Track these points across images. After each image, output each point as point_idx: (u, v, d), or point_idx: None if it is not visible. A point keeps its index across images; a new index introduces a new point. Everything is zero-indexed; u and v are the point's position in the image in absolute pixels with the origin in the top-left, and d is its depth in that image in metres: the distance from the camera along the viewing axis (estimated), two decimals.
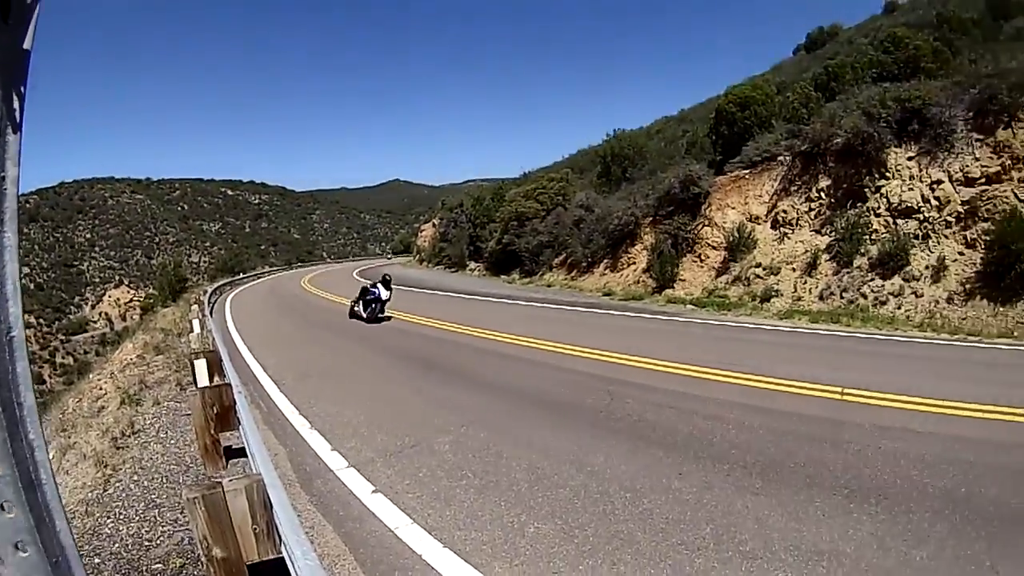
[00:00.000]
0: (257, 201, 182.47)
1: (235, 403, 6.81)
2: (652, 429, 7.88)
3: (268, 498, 3.78)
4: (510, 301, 25.36)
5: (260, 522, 3.69)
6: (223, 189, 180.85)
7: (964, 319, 16.12)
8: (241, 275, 54.85)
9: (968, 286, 16.94)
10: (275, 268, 74.91)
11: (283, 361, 13.68)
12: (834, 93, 25.03)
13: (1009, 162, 17.78)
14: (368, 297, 19.31)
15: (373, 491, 6.17)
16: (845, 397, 8.89)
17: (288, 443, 7.95)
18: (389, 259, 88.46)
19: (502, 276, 39.06)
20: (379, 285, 19.21)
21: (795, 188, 23.24)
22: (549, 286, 32.06)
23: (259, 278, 54.46)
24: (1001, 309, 15.85)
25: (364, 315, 19.27)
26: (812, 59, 39.37)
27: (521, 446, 7.36)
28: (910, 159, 20.17)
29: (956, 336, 14.85)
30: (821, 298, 19.76)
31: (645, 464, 6.68)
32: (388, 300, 19.28)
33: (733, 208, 24.75)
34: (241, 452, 6.70)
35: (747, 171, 25.24)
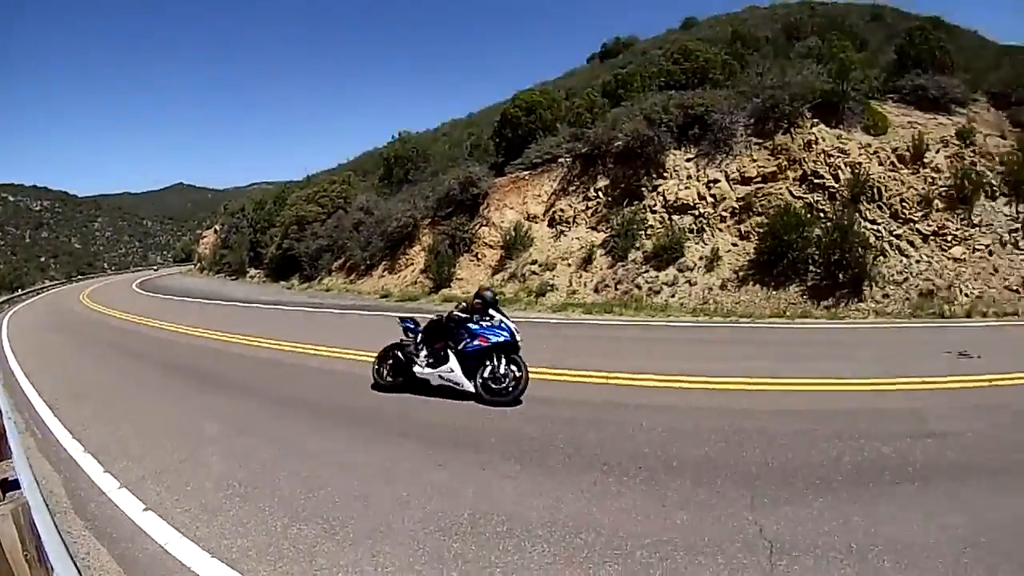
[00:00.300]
0: (39, 208, 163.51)
1: (4, 431, 6.13)
2: (413, 426, 7.47)
3: (35, 522, 3.56)
4: (284, 307, 23.38)
5: (30, 547, 3.41)
6: (3, 194, 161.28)
7: (738, 303, 15.75)
8: (20, 291, 48.45)
9: (742, 274, 16.62)
10: (55, 282, 66.52)
11: (58, 383, 12.21)
12: (621, 99, 24.09)
13: (786, 163, 17.91)
14: (474, 343, 8.27)
15: (144, 509, 5.71)
16: (610, 381, 8.71)
17: (62, 469, 7.19)
18: (155, 270, 79.10)
19: (281, 282, 35.67)
20: (494, 314, 8.41)
21: (574, 188, 22.11)
22: (328, 290, 29.37)
23: (39, 294, 48.46)
24: (774, 293, 15.71)
25: (471, 388, 8.23)
26: (605, 67, 38.79)
27: (286, 451, 6.92)
28: (688, 160, 19.79)
29: (729, 319, 14.52)
30: (596, 291, 18.55)
31: (405, 458, 6.40)
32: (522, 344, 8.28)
33: (511, 208, 23.06)
34: (17, 484, 5.65)
35: (527, 172, 23.83)
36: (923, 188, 16.84)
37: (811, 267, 15.66)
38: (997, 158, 17.88)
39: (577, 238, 20.47)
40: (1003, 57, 29.02)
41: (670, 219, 18.70)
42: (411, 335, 9.20)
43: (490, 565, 4.21)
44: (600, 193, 20.92)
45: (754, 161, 18.40)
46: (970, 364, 9.22)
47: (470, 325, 8.37)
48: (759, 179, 18.03)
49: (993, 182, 17.21)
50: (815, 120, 18.64)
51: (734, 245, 17.33)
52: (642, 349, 11.47)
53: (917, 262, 15.62)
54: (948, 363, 9.32)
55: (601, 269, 19.06)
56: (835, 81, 19.18)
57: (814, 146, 17.80)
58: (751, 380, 8.28)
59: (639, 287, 17.53)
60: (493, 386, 8.10)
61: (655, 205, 19.31)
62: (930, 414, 6.90)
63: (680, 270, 17.36)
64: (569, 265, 19.86)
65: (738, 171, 18.46)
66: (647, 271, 17.89)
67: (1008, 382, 8.24)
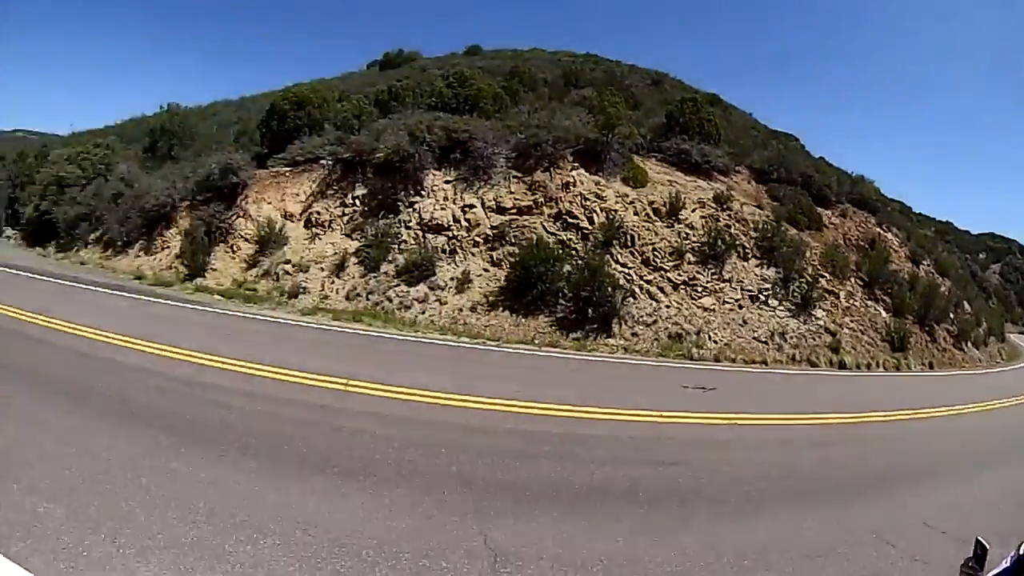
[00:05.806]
0: None
1: None
2: (157, 414, 5.56)
3: None
4: (36, 277, 16.87)
5: None
6: None
7: (487, 326, 13.47)
8: None
9: (492, 299, 14.34)
10: None
11: None
12: (391, 111, 20.59)
13: (542, 199, 15.89)
14: None
15: None
16: (349, 388, 7.02)
17: None
18: None
19: (38, 248, 26.73)
20: None
21: (332, 192, 18.08)
22: (83, 263, 22.02)
23: None
24: (522, 320, 13.62)
25: None
26: (382, 77, 33.29)
27: (26, 438, 4.82)
28: (447, 182, 16.91)
29: (477, 340, 12.49)
30: (348, 298, 14.82)
31: (146, 446, 4.83)
32: None
33: (269, 203, 18.45)
34: None
35: (288, 169, 19.37)
36: (676, 241, 15.54)
37: (561, 300, 13.86)
38: (752, 224, 17.08)
39: (332, 243, 16.52)
40: (771, 140, 28.97)
41: (424, 237, 15.65)
42: None
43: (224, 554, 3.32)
44: (358, 201, 17.23)
45: (511, 193, 16.03)
46: (714, 403, 8.72)
47: None
48: (514, 211, 15.69)
49: (746, 244, 16.30)
50: (575, 164, 16.63)
51: (486, 270, 14.72)
52: (382, 360, 9.37)
53: (667, 307, 14.26)
54: (691, 399, 8.82)
55: (353, 277, 15.39)
56: (601, 131, 17.31)
57: (572, 188, 15.86)
58: (498, 401, 6.91)
59: (390, 300, 14.36)
60: None
61: (410, 221, 16.11)
62: (664, 445, 6.27)
63: (431, 288, 14.46)
64: (322, 269, 15.90)
65: (495, 200, 15.96)
66: (399, 285, 14.68)
67: (744, 422, 7.70)
